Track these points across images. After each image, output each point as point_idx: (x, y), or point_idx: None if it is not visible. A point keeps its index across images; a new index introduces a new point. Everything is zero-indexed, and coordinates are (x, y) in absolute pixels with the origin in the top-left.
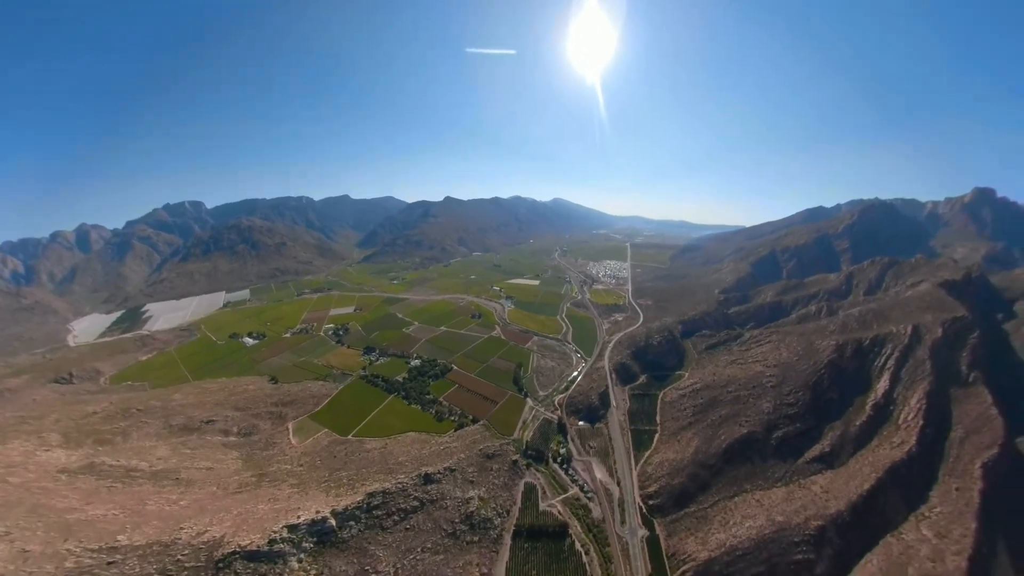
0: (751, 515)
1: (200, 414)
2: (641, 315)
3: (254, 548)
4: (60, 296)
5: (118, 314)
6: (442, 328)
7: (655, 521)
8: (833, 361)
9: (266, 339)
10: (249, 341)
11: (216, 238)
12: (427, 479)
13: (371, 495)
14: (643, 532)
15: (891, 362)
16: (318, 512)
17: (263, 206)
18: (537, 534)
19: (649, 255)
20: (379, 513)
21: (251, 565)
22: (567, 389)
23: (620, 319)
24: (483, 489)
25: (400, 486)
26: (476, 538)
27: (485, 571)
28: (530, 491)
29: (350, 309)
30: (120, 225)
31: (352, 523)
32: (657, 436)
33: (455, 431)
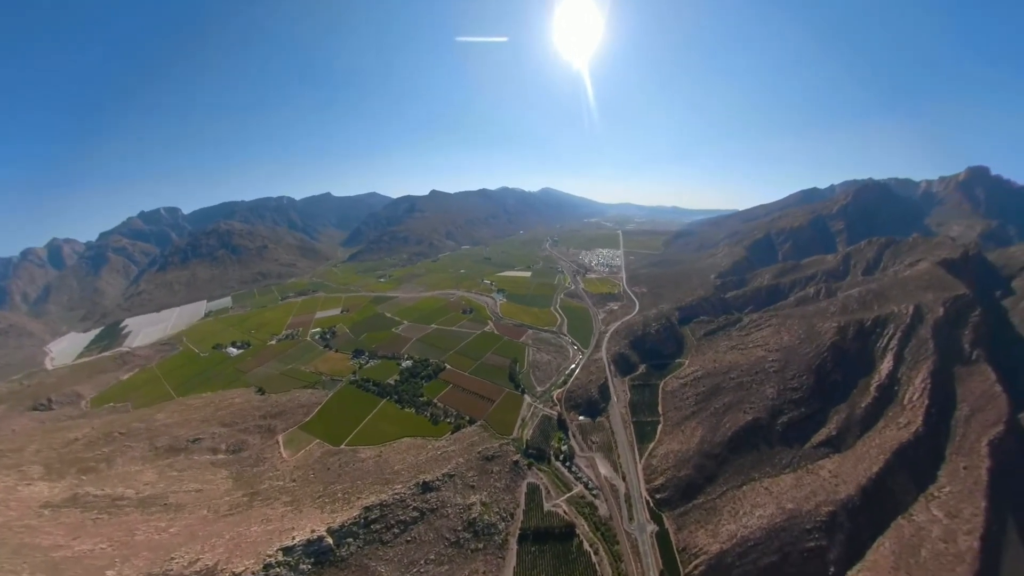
0: (761, 504)
1: (186, 433)
2: (637, 303)
3: (250, 575)
4: (35, 317)
5: (96, 332)
6: (433, 326)
7: (663, 515)
8: (836, 343)
9: (251, 348)
10: (233, 351)
11: (194, 245)
12: (426, 487)
13: (368, 509)
14: (652, 527)
15: (894, 342)
16: (313, 531)
17: (242, 208)
18: (544, 536)
19: (642, 242)
20: (378, 527)
21: None
22: (565, 383)
23: (615, 308)
24: (485, 493)
25: (398, 497)
26: (481, 545)
27: None
28: (533, 492)
29: (337, 311)
30: (94, 237)
31: (350, 540)
32: (660, 427)
33: (452, 434)
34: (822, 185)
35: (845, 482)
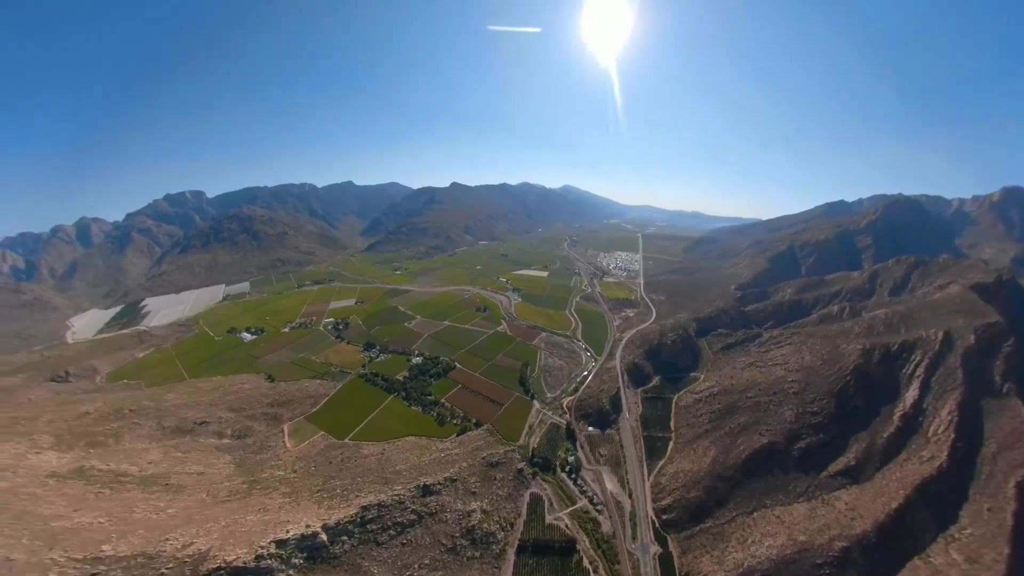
0: (771, 533)
1: (193, 415)
2: (654, 311)
3: (240, 564)
4: (61, 291)
5: (117, 309)
6: (446, 322)
7: (669, 537)
8: (859, 367)
9: (264, 334)
10: (247, 336)
11: (216, 229)
12: (426, 490)
13: (366, 508)
14: (656, 549)
15: (921, 370)
16: (308, 526)
17: (265, 194)
18: (543, 549)
19: (662, 247)
20: (374, 527)
21: None
22: (576, 391)
23: (632, 315)
24: (486, 501)
25: (397, 498)
26: (478, 553)
27: None
28: (536, 502)
29: (351, 302)
30: (120, 217)
31: (345, 538)
32: (672, 444)
33: (457, 436)
34: (849, 198)
35: (862, 516)
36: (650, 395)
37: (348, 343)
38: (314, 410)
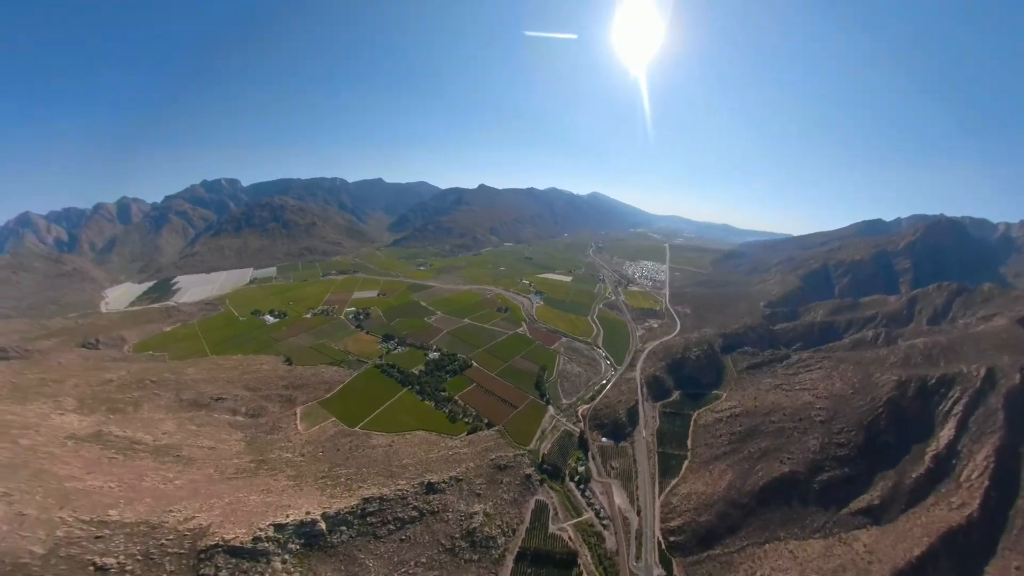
0: (782, 568)
1: (211, 390)
2: (678, 323)
3: (238, 544)
4: (99, 264)
5: (149, 284)
6: (465, 320)
7: (674, 561)
8: (893, 399)
9: (287, 318)
10: (270, 319)
11: (248, 215)
12: (430, 488)
13: (367, 500)
14: (659, 572)
15: (959, 408)
16: (308, 513)
17: (297, 186)
18: (543, 560)
19: (689, 259)
20: (374, 520)
21: (233, 560)
22: (593, 399)
23: (655, 326)
24: (490, 504)
25: (400, 493)
26: (476, 557)
27: None
28: (541, 510)
29: (373, 293)
30: (159, 199)
31: (343, 528)
32: (687, 463)
33: (467, 435)
34: (887, 217)
35: (880, 561)
36: (669, 410)
37: (367, 333)
38: (328, 396)
